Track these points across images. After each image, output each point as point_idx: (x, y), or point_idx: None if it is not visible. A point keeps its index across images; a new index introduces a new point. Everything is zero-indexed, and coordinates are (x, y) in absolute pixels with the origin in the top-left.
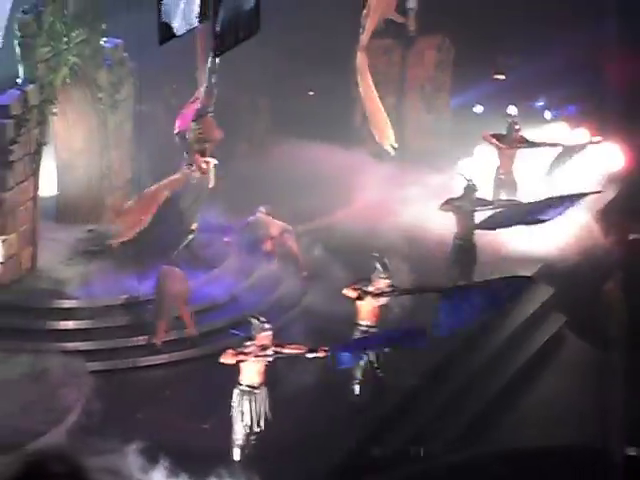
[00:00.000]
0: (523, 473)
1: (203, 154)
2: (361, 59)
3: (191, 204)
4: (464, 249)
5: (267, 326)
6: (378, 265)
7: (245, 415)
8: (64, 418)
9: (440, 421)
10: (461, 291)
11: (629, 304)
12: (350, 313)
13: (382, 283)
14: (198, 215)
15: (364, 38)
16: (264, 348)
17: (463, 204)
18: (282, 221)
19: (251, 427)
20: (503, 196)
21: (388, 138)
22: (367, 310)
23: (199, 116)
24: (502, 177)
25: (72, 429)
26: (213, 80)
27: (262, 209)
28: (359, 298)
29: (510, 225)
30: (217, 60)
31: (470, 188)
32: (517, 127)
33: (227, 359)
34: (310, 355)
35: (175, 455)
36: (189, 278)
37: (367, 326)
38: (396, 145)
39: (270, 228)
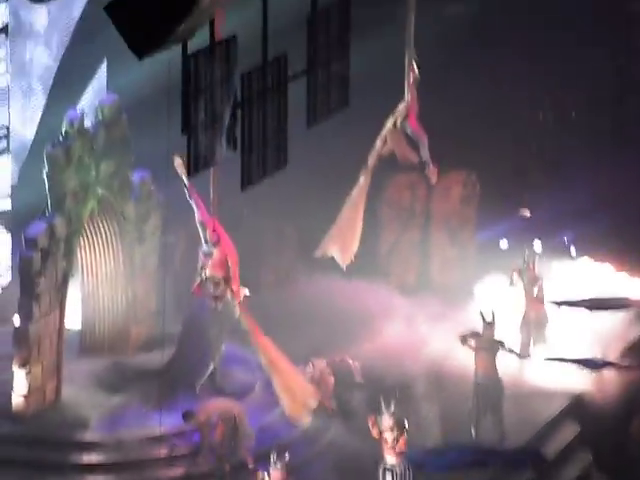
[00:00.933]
0: None
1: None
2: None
3: (217, 335)
4: (485, 389)
5: (279, 465)
6: (382, 405)
7: None
8: None
9: None
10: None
11: None
12: (375, 448)
13: (388, 421)
14: (222, 346)
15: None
16: None
17: (482, 342)
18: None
19: None
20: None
21: (345, 257)
22: (389, 448)
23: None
24: (531, 315)
25: None
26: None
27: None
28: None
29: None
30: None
31: (489, 326)
32: (532, 265)
33: None
34: None
35: None
36: None
37: (391, 465)
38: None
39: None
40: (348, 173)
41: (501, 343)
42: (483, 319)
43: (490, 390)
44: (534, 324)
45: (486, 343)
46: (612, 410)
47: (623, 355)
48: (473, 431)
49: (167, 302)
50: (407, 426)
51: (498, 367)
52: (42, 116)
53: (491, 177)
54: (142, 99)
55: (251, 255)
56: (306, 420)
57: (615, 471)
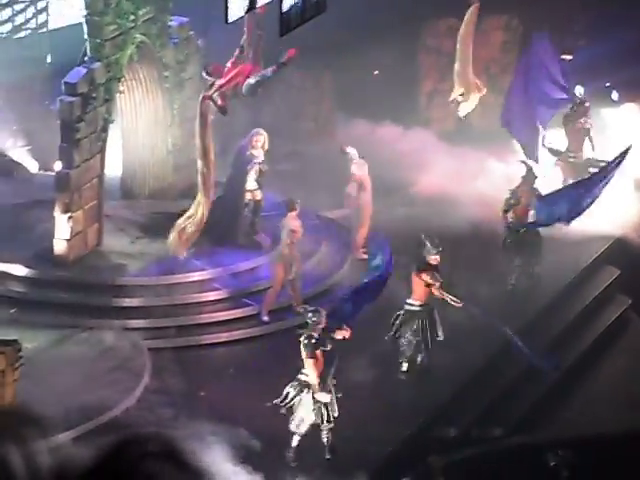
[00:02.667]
0: (586, 457)
1: None
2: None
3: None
4: (524, 234)
5: (314, 318)
6: (428, 242)
7: (297, 408)
8: (127, 395)
9: (503, 404)
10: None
11: None
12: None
13: (433, 260)
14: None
15: None
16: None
17: (523, 190)
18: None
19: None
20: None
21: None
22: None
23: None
24: (572, 159)
25: (135, 406)
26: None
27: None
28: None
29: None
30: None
31: (530, 174)
32: (574, 107)
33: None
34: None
35: (238, 434)
36: (253, 257)
37: (418, 305)
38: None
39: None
40: (388, 20)
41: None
42: (525, 164)
43: (526, 237)
44: (576, 169)
45: (525, 192)
46: None
47: None
48: (513, 280)
49: None
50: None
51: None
52: None
53: (532, 22)
54: None
55: (290, 105)
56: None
57: None
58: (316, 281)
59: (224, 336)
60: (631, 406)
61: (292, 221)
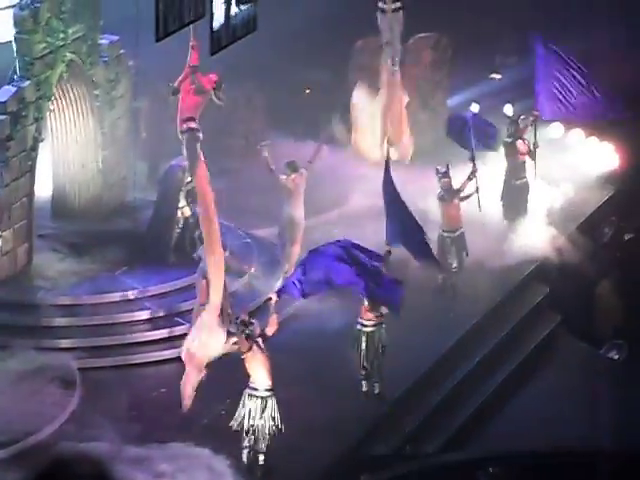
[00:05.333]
0: (517, 474)
1: None
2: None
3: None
4: (451, 241)
5: (251, 328)
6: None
7: (242, 417)
8: (57, 415)
9: (435, 421)
10: None
11: (624, 303)
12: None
13: None
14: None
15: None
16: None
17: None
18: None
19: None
20: (515, 202)
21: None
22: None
23: None
24: (516, 183)
25: (65, 425)
26: None
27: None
28: None
29: None
30: None
31: (444, 176)
32: (509, 128)
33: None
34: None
35: (168, 451)
36: (185, 276)
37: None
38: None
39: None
40: (317, 36)
41: (458, 190)
42: (437, 171)
43: (453, 243)
44: (518, 193)
45: (445, 193)
46: (580, 272)
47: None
48: (440, 277)
49: (137, 168)
50: None
51: (460, 218)
52: None
53: (462, 40)
54: None
55: (221, 123)
56: None
57: (582, 331)
58: (247, 300)
59: (155, 355)
60: (561, 422)
61: None
